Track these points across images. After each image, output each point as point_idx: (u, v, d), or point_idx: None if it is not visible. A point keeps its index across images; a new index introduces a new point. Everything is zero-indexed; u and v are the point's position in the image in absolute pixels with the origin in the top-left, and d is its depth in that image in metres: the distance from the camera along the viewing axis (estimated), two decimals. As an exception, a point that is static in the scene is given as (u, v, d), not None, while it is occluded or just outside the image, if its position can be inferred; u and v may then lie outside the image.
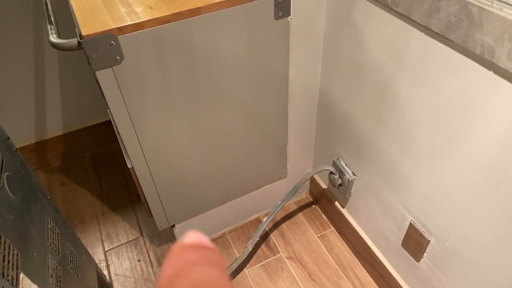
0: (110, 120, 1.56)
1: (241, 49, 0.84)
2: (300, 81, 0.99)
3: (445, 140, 0.68)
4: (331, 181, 1.08)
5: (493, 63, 0.54)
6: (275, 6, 0.81)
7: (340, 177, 1.05)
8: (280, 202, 1.12)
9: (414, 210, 0.84)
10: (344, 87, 0.92)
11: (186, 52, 0.78)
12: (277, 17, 0.83)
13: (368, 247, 1.07)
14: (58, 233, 0.81)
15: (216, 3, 0.74)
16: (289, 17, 0.85)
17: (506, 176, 0.59)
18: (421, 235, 0.83)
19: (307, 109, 1.07)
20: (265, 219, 1.14)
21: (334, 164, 1.07)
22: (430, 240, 0.82)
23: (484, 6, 0.51)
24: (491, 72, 0.55)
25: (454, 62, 0.61)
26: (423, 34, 0.64)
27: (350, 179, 1.02)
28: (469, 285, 0.75)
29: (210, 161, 1.01)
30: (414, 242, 0.87)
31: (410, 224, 0.86)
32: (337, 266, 1.15)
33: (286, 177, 1.22)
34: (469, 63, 0.58)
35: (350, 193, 1.07)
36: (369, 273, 1.11)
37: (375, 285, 1.09)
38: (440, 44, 0.62)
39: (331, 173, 1.07)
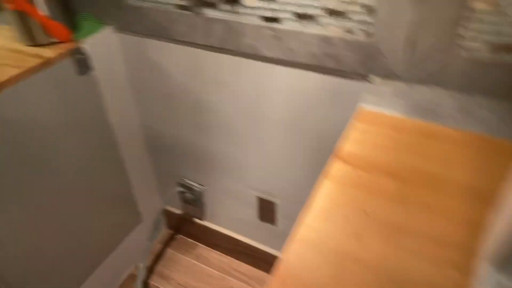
0: None
1: (55, 112, 0.86)
2: (123, 124, 1.06)
3: (253, 122, 0.91)
4: (185, 201, 1.19)
5: (260, 55, 0.78)
6: (75, 64, 0.87)
7: (191, 193, 1.17)
8: (143, 259, 1.14)
9: (256, 185, 1.04)
10: (164, 116, 1.05)
11: None
12: (81, 73, 0.90)
13: (236, 240, 1.22)
14: None
15: (14, 76, 0.75)
16: (93, 71, 0.92)
17: (301, 131, 0.85)
18: (268, 202, 1.04)
19: (139, 149, 1.15)
20: (139, 269, 1.14)
21: (181, 185, 1.18)
22: (275, 202, 1.04)
23: (241, 20, 0.75)
24: (260, 62, 0.80)
25: (238, 64, 0.83)
26: (208, 51, 0.85)
27: (199, 190, 1.15)
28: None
29: (58, 239, 0.96)
30: (267, 210, 1.07)
31: (257, 198, 1.06)
32: (220, 273, 1.25)
33: (142, 221, 1.25)
34: (247, 61, 0.81)
35: (204, 203, 1.20)
36: (246, 262, 1.27)
37: (255, 269, 1.25)
38: (224, 55, 0.83)
39: (182, 192, 1.17)
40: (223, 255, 1.30)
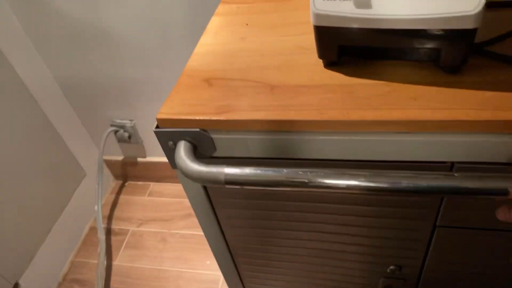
0: None
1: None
2: (36, 81, 1.06)
3: (159, 33, 0.96)
4: (122, 140, 1.23)
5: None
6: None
7: (124, 130, 1.21)
8: (97, 204, 1.19)
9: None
10: (74, 59, 1.06)
11: None
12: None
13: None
14: None
15: None
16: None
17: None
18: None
19: (60, 102, 1.16)
20: (97, 214, 1.18)
21: (113, 126, 1.22)
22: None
23: None
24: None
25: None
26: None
27: (131, 125, 1.19)
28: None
29: (8, 208, 0.97)
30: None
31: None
32: (176, 199, 1.33)
33: (86, 174, 1.27)
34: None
35: (140, 139, 1.25)
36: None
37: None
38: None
39: (116, 132, 1.21)
40: (175, 183, 1.37)
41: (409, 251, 0.50)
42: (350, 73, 0.41)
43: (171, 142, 0.41)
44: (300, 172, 0.34)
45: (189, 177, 0.37)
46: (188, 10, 0.89)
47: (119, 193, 1.39)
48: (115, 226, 1.29)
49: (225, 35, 0.52)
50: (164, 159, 1.30)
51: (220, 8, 0.58)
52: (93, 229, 1.29)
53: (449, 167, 0.38)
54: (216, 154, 0.42)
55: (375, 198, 0.42)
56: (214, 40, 0.51)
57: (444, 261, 0.50)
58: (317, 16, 0.38)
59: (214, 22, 0.55)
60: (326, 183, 0.34)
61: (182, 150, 0.39)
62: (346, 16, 0.36)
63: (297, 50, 0.46)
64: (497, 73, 0.37)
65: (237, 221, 0.53)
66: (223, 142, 0.41)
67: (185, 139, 0.40)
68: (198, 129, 0.39)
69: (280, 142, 0.39)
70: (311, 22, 0.39)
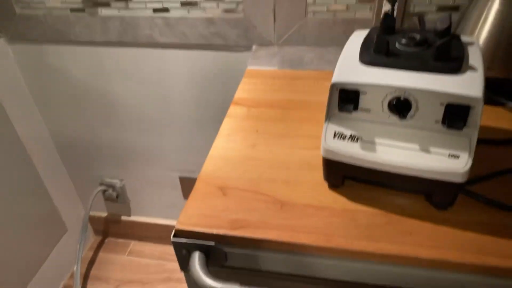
0: None
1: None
2: (32, 136, 1.08)
3: (161, 106, 1.01)
4: (109, 199, 1.23)
5: (157, 42, 0.89)
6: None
7: (113, 189, 1.21)
8: (75, 267, 1.16)
9: (176, 166, 1.14)
10: (73, 119, 1.09)
11: None
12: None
13: (166, 226, 1.30)
14: None
15: None
16: (-9, 82, 0.94)
17: (206, 104, 0.98)
18: (191, 179, 1.15)
19: (52, 158, 1.16)
20: (74, 275, 1.15)
21: (102, 185, 1.22)
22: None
23: (135, 14, 0.85)
24: (158, 49, 0.91)
25: (138, 54, 0.93)
26: (108, 47, 0.93)
27: (120, 185, 1.21)
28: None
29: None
30: (191, 188, 1.18)
31: (180, 178, 1.16)
32: (156, 261, 1.31)
33: (67, 230, 1.25)
34: (146, 50, 0.92)
35: (128, 198, 1.25)
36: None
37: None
38: (124, 48, 0.92)
39: (104, 191, 1.21)
40: (157, 244, 1.36)
41: None
42: (352, 198, 0.46)
43: (185, 251, 0.44)
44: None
45: (202, 290, 0.40)
46: (193, 92, 0.96)
47: (98, 250, 1.36)
48: (91, 286, 1.25)
49: (237, 140, 0.57)
50: (150, 219, 1.30)
51: (232, 109, 0.64)
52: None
53: (437, 297, 0.42)
54: (226, 264, 0.45)
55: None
56: (227, 144, 0.56)
57: None
58: (327, 151, 0.43)
59: (227, 124, 0.60)
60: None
61: (197, 263, 0.42)
62: (352, 156, 0.42)
63: (304, 166, 0.51)
64: (480, 214, 0.43)
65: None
66: (235, 255, 0.44)
67: (199, 250, 0.43)
68: (213, 243, 0.43)
69: (288, 260, 0.43)
70: (321, 153, 0.44)
